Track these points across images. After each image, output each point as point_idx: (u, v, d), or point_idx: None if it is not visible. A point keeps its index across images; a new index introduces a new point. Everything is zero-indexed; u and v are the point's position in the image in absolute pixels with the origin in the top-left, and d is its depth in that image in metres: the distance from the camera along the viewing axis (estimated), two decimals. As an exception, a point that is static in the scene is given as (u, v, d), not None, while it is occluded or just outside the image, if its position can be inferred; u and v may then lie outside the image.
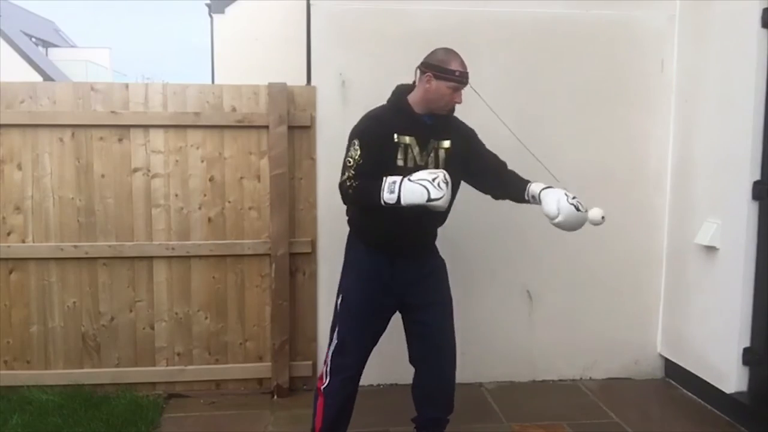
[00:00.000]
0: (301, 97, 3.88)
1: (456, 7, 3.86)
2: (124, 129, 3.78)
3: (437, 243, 3.12)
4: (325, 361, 3.02)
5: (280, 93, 3.79)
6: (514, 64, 3.93)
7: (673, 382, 4.13)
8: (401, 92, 2.92)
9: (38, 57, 29.11)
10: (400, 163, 2.80)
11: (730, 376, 3.53)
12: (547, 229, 4.01)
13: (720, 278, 3.61)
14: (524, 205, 3.93)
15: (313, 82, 3.91)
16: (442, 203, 2.60)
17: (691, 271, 3.85)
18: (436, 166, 2.82)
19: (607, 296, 4.11)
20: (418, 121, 2.85)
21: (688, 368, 3.91)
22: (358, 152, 2.75)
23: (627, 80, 4.01)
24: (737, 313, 3.48)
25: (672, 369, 4.13)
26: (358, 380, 3.04)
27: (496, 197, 3.11)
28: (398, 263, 2.91)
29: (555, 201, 2.76)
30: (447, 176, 2.62)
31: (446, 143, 2.89)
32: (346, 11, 3.83)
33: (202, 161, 3.84)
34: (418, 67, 2.85)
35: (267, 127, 3.80)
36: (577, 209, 2.76)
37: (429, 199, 2.58)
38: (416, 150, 2.82)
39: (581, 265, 4.06)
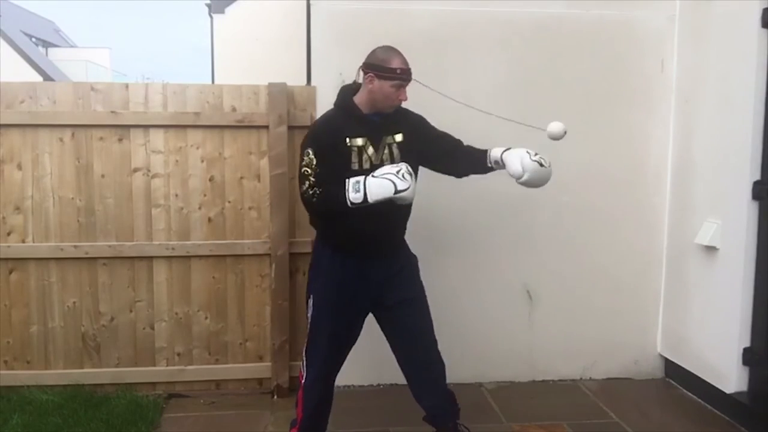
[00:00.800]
0: (301, 97, 3.88)
1: (456, 7, 3.86)
2: (124, 129, 3.78)
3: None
4: (302, 356, 3.03)
5: (280, 93, 3.79)
6: (514, 64, 3.93)
7: (673, 382, 4.13)
8: (346, 93, 2.90)
9: (38, 57, 29.12)
10: (354, 167, 2.78)
11: (730, 376, 3.53)
12: (547, 229, 4.04)
13: (720, 278, 3.60)
14: (524, 205, 3.95)
15: (313, 82, 3.91)
16: (408, 194, 2.62)
17: (691, 271, 3.85)
18: (392, 162, 2.80)
19: (607, 296, 4.11)
20: (367, 121, 2.83)
21: (688, 368, 3.91)
22: (314, 161, 2.74)
23: (627, 80, 4.01)
24: (737, 313, 3.48)
25: (672, 369, 4.13)
26: (332, 379, 3.05)
27: (459, 175, 3.08)
28: (366, 264, 2.88)
29: (518, 160, 2.77)
30: (409, 168, 2.65)
31: (398, 137, 2.87)
32: (346, 11, 3.83)
33: (202, 161, 3.84)
34: (360, 67, 2.83)
35: (267, 127, 3.80)
36: (541, 165, 2.78)
37: (396, 191, 2.60)
38: (370, 150, 2.81)
39: (581, 265, 4.06)
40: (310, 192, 2.74)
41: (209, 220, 3.87)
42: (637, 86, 4.02)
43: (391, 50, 2.81)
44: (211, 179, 3.85)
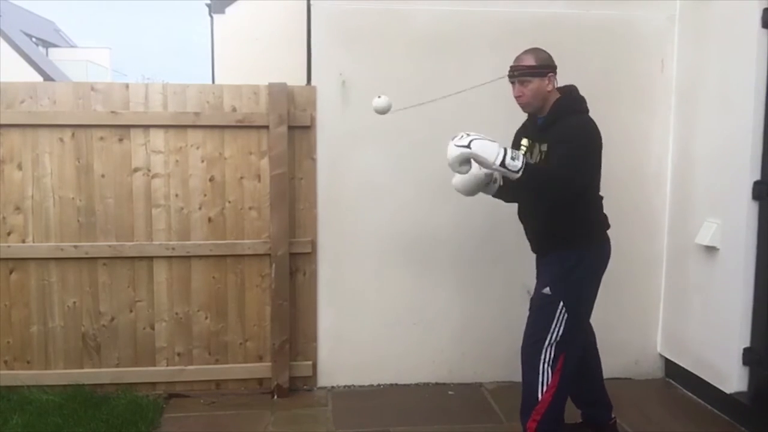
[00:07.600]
0: (301, 97, 3.88)
1: (456, 7, 3.86)
2: (124, 129, 3.78)
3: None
4: None
5: (280, 93, 3.79)
6: (514, 64, 3.93)
7: (673, 382, 4.13)
8: None
9: (38, 57, 29.13)
10: None
11: (730, 376, 3.53)
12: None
13: (720, 278, 3.60)
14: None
15: (313, 82, 3.91)
16: (448, 152, 2.72)
17: (691, 271, 3.85)
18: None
19: (607, 296, 4.09)
20: (534, 124, 3.05)
21: (688, 368, 3.91)
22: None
23: (627, 80, 4.01)
24: (737, 313, 3.48)
25: (672, 369, 4.13)
26: None
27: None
28: (537, 259, 3.25)
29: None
30: (475, 142, 2.70)
31: (544, 146, 3.00)
32: (346, 11, 3.83)
33: (202, 161, 3.84)
34: None
35: (267, 127, 3.80)
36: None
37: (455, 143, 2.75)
38: (529, 153, 2.99)
39: (581, 265, 4.05)
40: None
41: (209, 220, 3.87)
42: (637, 86, 4.02)
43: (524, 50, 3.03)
44: (211, 179, 3.85)
